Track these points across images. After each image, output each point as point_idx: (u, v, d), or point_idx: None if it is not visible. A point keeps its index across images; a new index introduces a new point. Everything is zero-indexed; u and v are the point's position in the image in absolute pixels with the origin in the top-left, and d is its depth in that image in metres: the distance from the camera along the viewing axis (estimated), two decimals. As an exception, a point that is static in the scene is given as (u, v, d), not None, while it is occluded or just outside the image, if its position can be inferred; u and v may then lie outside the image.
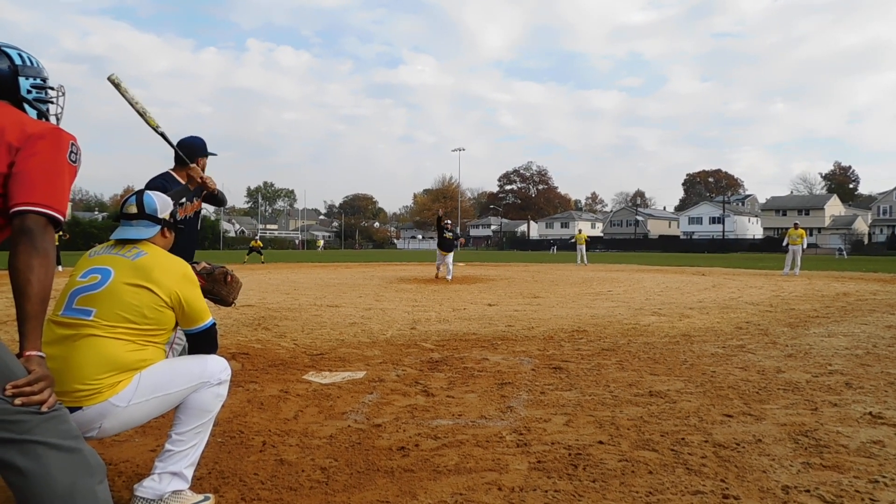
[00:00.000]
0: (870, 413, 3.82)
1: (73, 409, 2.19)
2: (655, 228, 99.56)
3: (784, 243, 20.75)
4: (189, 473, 2.53)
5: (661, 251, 71.31)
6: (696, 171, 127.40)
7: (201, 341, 2.67)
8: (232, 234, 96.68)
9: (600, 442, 3.30)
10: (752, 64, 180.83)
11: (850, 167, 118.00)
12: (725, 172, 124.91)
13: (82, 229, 59.13)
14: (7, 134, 1.92)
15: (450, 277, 16.83)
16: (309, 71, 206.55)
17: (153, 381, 2.43)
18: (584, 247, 29.98)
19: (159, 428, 3.52)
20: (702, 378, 4.82)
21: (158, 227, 2.69)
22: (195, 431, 2.53)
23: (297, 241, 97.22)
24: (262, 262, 33.11)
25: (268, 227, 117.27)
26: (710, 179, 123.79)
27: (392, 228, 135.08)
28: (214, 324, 2.70)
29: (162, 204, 2.72)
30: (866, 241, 75.02)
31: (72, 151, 2.04)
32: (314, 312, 9.13)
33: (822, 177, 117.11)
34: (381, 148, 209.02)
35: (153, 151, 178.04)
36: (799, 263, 20.04)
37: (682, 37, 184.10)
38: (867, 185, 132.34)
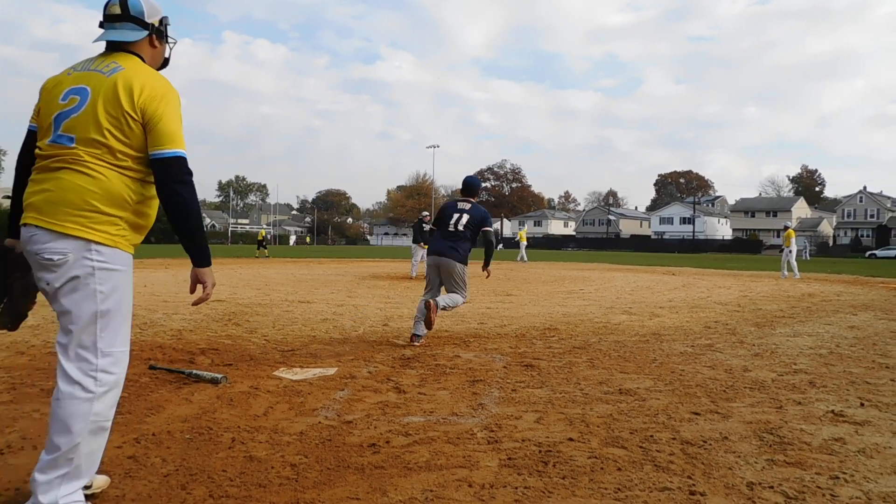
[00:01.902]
0: (832, 411, 3.91)
1: (55, 234, 2.18)
2: (627, 228, 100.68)
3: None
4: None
5: (632, 250, 72.14)
6: (669, 171, 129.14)
7: (168, 172, 2.29)
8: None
9: (570, 439, 3.32)
10: (725, 68, 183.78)
11: (816, 171, 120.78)
12: (696, 174, 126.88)
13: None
14: None
15: (413, 275, 16.68)
16: (286, 65, 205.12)
17: (119, 281, 2.29)
18: (524, 244, 32.58)
19: (126, 425, 3.46)
20: (671, 376, 4.89)
21: (146, 33, 2.46)
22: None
23: (268, 236, 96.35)
24: (267, 257, 32.38)
25: (239, 221, 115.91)
26: (682, 180, 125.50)
27: (365, 224, 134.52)
28: (185, 158, 2.34)
29: (150, 7, 2.46)
30: (831, 244, 76.79)
31: None
32: (285, 308, 9.05)
33: (789, 180, 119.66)
34: (358, 144, 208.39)
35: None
36: (785, 267, 19.35)
37: (659, 39, 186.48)
38: (833, 189, 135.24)
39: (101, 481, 2.56)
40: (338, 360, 5.31)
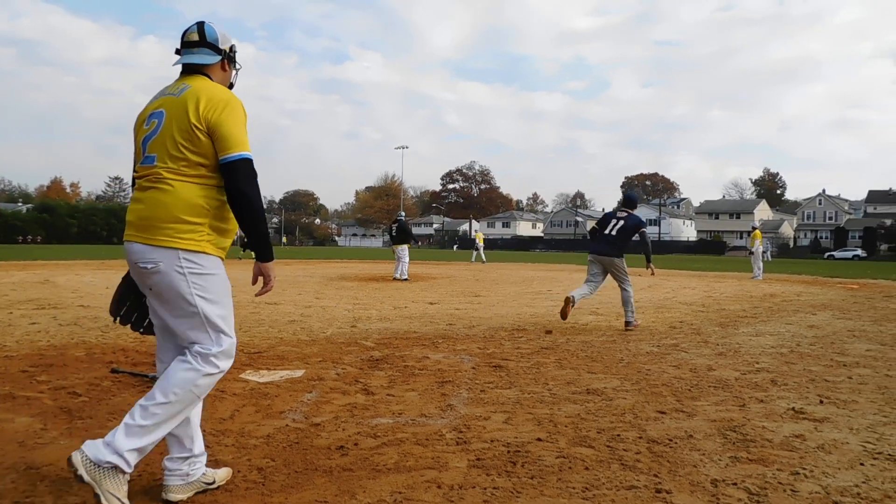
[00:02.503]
0: (793, 408, 4.00)
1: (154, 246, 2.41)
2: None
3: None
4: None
5: (599, 252, 72.69)
6: (635, 174, 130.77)
7: (234, 176, 2.44)
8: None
9: (539, 439, 3.34)
10: (691, 72, 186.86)
11: (777, 174, 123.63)
12: (662, 176, 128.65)
13: (5, 220, 56.22)
14: None
15: (406, 276, 16.25)
16: (253, 63, 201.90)
17: (211, 284, 2.53)
18: (482, 245, 33.64)
19: (87, 430, 3.38)
20: (637, 376, 4.95)
21: (219, 58, 2.68)
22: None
23: (235, 238, 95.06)
24: (252, 258, 31.88)
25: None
26: (648, 182, 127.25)
27: (333, 225, 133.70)
28: (250, 160, 2.49)
29: (222, 35, 2.70)
30: (791, 245, 78.64)
31: None
32: (252, 310, 8.94)
33: (752, 182, 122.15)
34: (326, 144, 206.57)
35: (86, 139, 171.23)
36: (754, 267, 19.48)
37: (626, 43, 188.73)
38: (793, 192, 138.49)
39: (224, 473, 2.72)
40: (305, 362, 5.27)
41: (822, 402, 4.20)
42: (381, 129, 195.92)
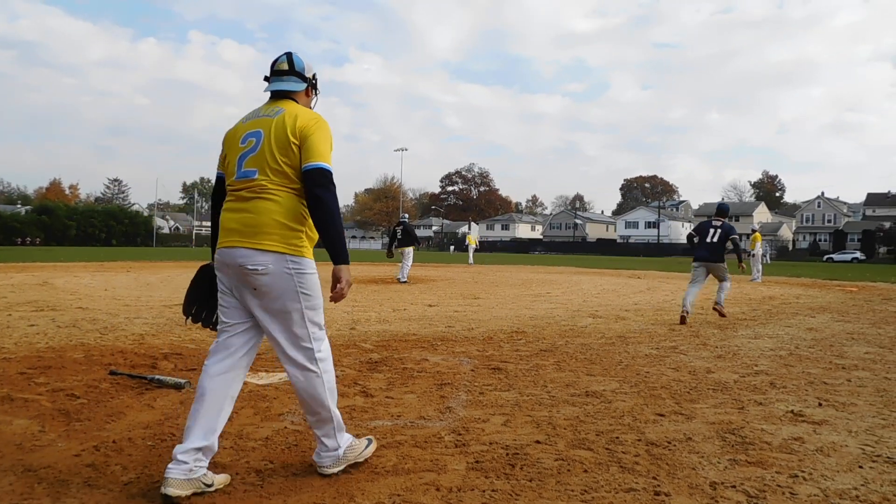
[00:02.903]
0: (791, 411, 4.00)
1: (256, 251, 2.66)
2: (593, 232, 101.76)
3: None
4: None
5: (598, 254, 72.92)
6: (634, 176, 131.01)
7: (314, 181, 2.68)
8: (166, 231, 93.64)
9: (537, 441, 3.34)
10: (690, 74, 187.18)
11: (776, 176, 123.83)
12: (661, 178, 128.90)
13: (3, 222, 56.16)
14: None
15: (405, 279, 16.15)
16: (253, 66, 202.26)
17: (311, 282, 2.79)
18: (473, 247, 34.10)
19: (84, 432, 3.38)
20: (636, 378, 4.95)
21: (305, 85, 2.98)
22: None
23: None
24: None
25: (203, 224, 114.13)
26: (647, 185, 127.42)
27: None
28: (329, 170, 2.73)
29: (307, 65, 3.01)
30: (790, 248, 78.71)
31: None
32: (251, 312, 8.93)
33: (751, 185, 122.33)
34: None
35: (85, 141, 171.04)
36: (753, 269, 19.54)
37: (625, 45, 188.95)
38: (792, 194, 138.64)
39: (222, 479, 2.77)
40: (304, 365, 5.26)
41: (820, 404, 4.20)
42: (381, 131, 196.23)
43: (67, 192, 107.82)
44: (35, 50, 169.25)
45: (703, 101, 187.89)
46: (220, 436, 3.35)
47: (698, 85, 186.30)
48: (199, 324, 3.08)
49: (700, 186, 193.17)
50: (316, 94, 3.10)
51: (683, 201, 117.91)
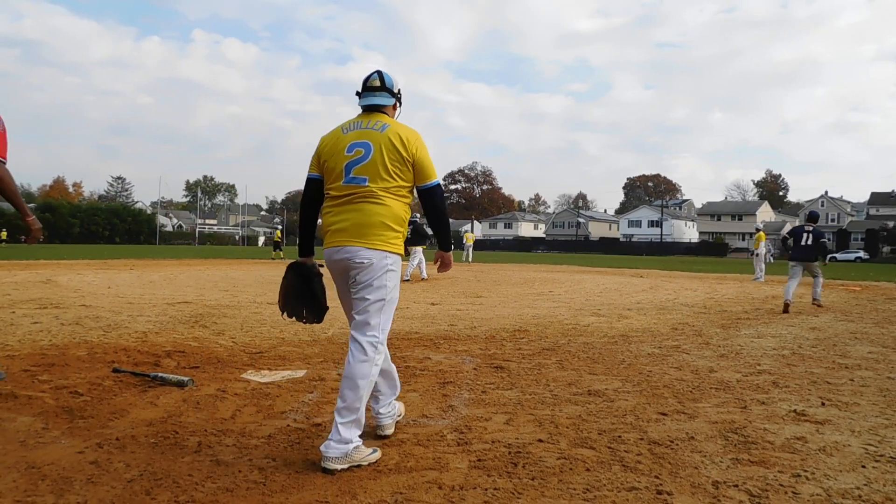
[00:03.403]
0: (794, 410, 4.00)
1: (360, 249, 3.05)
2: (596, 230, 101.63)
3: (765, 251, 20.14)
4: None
5: (601, 253, 72.85)
6: (637, 175, 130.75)
7: (432, 197, 3.22)
8: (169, 229, 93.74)
9: (540, 440, 3.34)
10: (693, 74, 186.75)
11: (780, 175, 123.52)
12: (664, 177, 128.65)
13: (7, 220, 56.21)
14: None
15: (408, 278, 16.17)
16: (256, 65, 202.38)
17: (397, 279, 3.18)
18: (471, 245, 34.59)
19: (88, 429, 3.39)
20: (639, 377, 4.94)
21: (393, 100, 3.33)
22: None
23: (237, 237, 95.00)
24: (282, 259, 30.98)
25: (206, 222, 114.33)
26: (650, 184, 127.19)
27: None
28: (440, 184, 3.27)
29: (395, 81, 3.35)
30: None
31: None
32: (254, 310, 8.95)
33: (754, 184, 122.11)
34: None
35: (89, 140, 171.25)
36: (756, 269, 19.56)
37: (628, 45, 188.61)
38: (795, 194, 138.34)
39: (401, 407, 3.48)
40: (307, 363, 5.27)
41: (823, 404, 4.20)
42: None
43: (71, 190, 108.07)
44: (38, 49, 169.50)
45: (705, 101, 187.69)
46: (223, 433, 3.38)
47: (701, 85, 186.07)
48: (301, 321, 3.44)
49: (703, 185, 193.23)
50: (400, 106, 3.45)
51: (686, 200, 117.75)
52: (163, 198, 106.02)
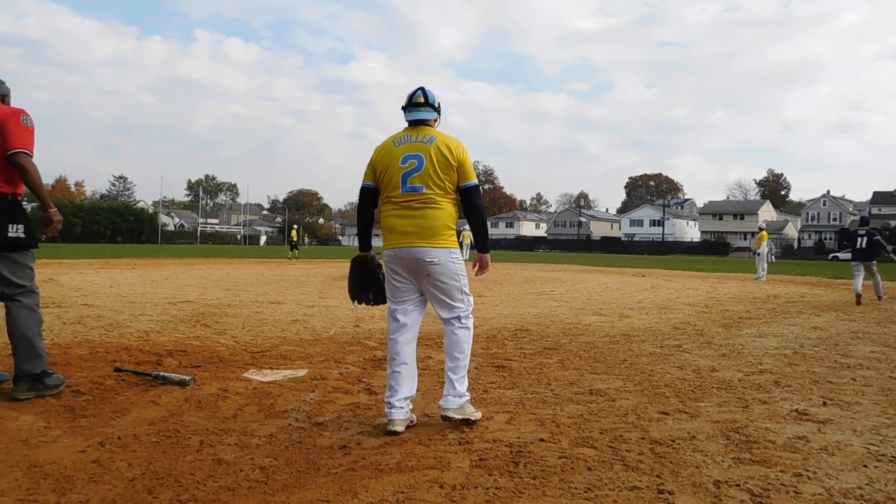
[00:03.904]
0: (796, 410, 3.99)
1: (426, 249, 3.52)
2: (598, 230, 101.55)
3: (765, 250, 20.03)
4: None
5: (602, 252, 72.83)
6: (639, 174, 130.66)
7: (471, 197, 3.64)
8: (171, 228, 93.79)
9: (541, 439, 3.34)
10: (694, 73, 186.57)
11: (782, 174, 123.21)
12: (666, 177, 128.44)
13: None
14: None
15: None
16: (258, 64, 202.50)
17: (462, 264, 3.66)
18: (468, 244, 34.80)
19: (90, 428, 3.40)
20: (640, 377, 4.94)
21: (436, 114, 3.73)
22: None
23: (238, 237, 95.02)
24: (296, 258, 30.71)
25: (208, 221, 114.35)
26: (652, 183, 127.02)
27: (337, 225, 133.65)
28: (478, 185, 3.68)
29: (436, 96, 3.74)
30: (795, 246, 78.46)
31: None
32: (255, 309, 8.96)
33: (756, 183, 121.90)
34: (329, 144, 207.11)
35: (91, 139, 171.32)
36: (758, 268, 19.47)
37: (630, 44, 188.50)
38: (797, 193, 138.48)
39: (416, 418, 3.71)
40: (308, 362, 5.27)
41: (825, 403, 4.19)
42: (385, 129, 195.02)
43: (73, 189, 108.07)
44: (41, 48, 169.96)
45: (707, 100, 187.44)
46: (224, 432, 3.38)
47: (703, 84, 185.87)
48: (369, 305, 3.97)
49: (705, 185, 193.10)
50: (439, 118, 3.80)
51: (688, 199, 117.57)
52: (165, 197, 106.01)
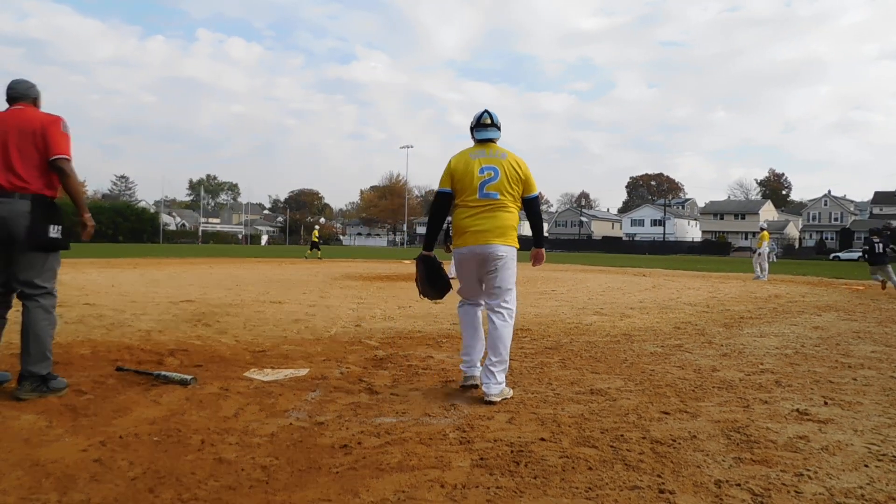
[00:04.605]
0: (797, 410, 3.99)
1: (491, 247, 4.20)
2: (599, 229, 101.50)
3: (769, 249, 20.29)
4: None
5: (604, 252, 72.76)
6: (640, 174, 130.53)
7: (534, 205, 4.44)
8: (172, 228, 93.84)
9: (542, 439, 3.34)
10: (696, 73, 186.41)
11: (783, 174, 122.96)
12: (667, 176, 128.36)
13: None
14: None
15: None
16: (259, 64, 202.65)
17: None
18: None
19: (91, 427, 3.40)
20: (641, 376, 4.94)
21: (500, 133, 4.45)
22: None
23: (240, 236, 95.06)
24: (319, 258, 30.73)
25: (210, 220, 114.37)
26: (653, 183, 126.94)
27: (338, 225, 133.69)
28: (539, 195, 4.52)
29: (498, 117, 4.44)
30: (797, 246, 78.36)
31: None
32: (257, 309, 8.96)
33: (757, 183, 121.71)
34: (330, 143, 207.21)
35: (92, 139, 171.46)
36: (757, 268, 19.56)
37: (631, 44, 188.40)
38: (798, 193, 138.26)
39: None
40: (309, 361, 5.28)
41: (826, 403, 4.19)
42: (386, 129, 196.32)
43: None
44: (43, 48, 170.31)
45: (708, 100, 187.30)
46: (225, 431, 3.39)
47: (704, 83, 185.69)
48: (438, 298, 4.55)
49: (706, 184, 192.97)
50: (500, 134, 4.49)
51: (689, 199, 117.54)
52: (166, 196, 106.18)
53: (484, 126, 4.39)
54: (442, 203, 4.36)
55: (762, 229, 20.76)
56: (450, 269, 16.44)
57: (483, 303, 4.40)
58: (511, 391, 4.23)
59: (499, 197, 4.20)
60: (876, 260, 15.24)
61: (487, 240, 4.18)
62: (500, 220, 4.20)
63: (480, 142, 4.39)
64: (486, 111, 4.41)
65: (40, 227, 3.99)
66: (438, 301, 4.57)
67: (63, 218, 4.16)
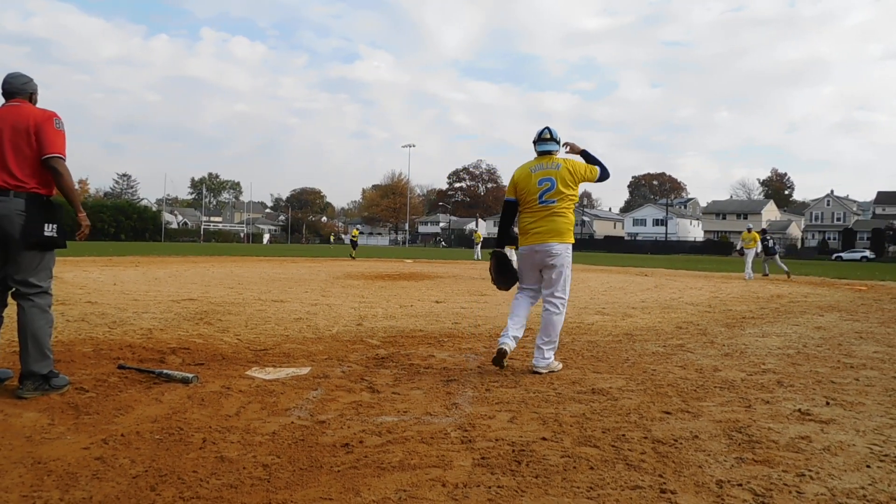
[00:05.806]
0: (799, 410, 3.99)
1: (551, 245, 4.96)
2: (601, 229, 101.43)
3: (738, 247, 20.46)
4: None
5: (606, 251, 72.71)
6: (642, 174, 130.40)
7: (596, 177, 5.19)
8: (174, 226, 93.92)
9: (543, 438, 3.34)
10: (699, 73, 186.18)
11: (786, 174, 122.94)
12: (670, 176, 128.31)
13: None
14: None
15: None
16: (263, 63, 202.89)
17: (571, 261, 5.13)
18: (479, 244, 36.39)
19: (93, 426, 3.40)
20: (643, 376, 4.94)
21: (558, 147, 5.16)
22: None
23: (241, 235, 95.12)
24: (352, 258, 30.69)
25: (212, 219, 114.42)
26: (655, 182, 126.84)
27: (340, 223, 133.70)
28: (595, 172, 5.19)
29: (557, 131, 5.17)
30: (799, 246, 78.23)
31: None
32: (259, 307, 8.97)
33: (760, 183, 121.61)
34: (333, 142, 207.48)
35: (95, 137, 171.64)
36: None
37: (635, 44, 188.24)
38: (801, 193, 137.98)
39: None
40: (311, 360, 5.28)
41: (828, 403, 4.19)
42: (389, 129, 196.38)
43: (77, 186, 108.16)
44: (47, 47, 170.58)
45: (712, 100, 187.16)
46: (227, 430, 3.39)
47: (707, 83, 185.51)
48: (507, 288, 5.37)
49: (708, 184, 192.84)
50: (560, 148, 5.20)
51: (692, 199, 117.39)
52: (168, 195, 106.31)
53: (544, 140, 5.12)
54: (508, 210, 5.19)
55: (749, 230, 20.50)
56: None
57: (535, 293, 5.19)
58: (560, 365, 5.03)
59: (556, 202, 4.93)
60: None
61: (545, 239, 4.93)
62: (556, 224, 4.94)
63: (541, 154, 5.11)
64: (546, 128, 5.14)
65: (35, 226, 3.96)
66: (504, 290, 5.36)
67: (60, 216, 4.13)
